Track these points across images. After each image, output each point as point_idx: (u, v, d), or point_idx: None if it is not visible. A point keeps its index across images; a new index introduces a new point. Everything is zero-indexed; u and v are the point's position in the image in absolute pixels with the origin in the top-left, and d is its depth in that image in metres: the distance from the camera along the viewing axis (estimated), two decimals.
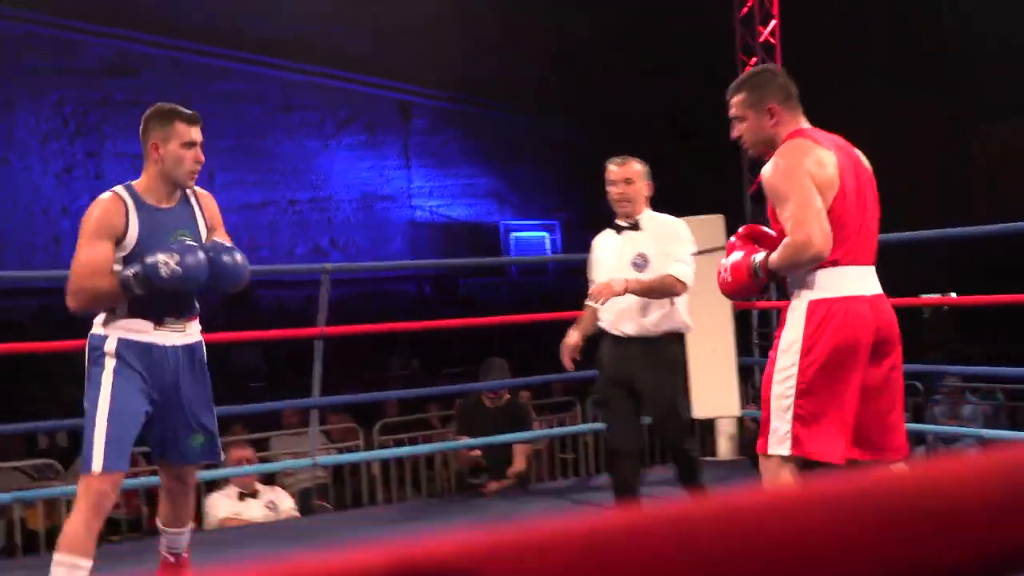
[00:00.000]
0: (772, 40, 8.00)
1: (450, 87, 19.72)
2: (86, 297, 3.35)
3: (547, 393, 8.77)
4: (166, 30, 17.54)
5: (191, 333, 3.49)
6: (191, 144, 3.44)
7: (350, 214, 19.82)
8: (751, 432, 6.43)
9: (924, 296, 14.53)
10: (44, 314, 14.73)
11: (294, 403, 6.69)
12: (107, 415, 3.30)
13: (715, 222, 6.08)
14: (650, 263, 4.38)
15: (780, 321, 3.20)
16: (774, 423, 3.10)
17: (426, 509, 5.89)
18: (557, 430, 7.53)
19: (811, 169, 3.04)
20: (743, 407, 6.33)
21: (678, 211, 6.32)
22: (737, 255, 3.21)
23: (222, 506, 5.78)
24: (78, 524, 3.27)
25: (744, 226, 3.37)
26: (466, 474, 6.18)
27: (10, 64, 17.06)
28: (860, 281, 3.13)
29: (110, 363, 3.34)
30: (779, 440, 3.09)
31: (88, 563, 3.28)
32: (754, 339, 7.43)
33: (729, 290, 3.28)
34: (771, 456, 3.11)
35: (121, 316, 3.38)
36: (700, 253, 5.99)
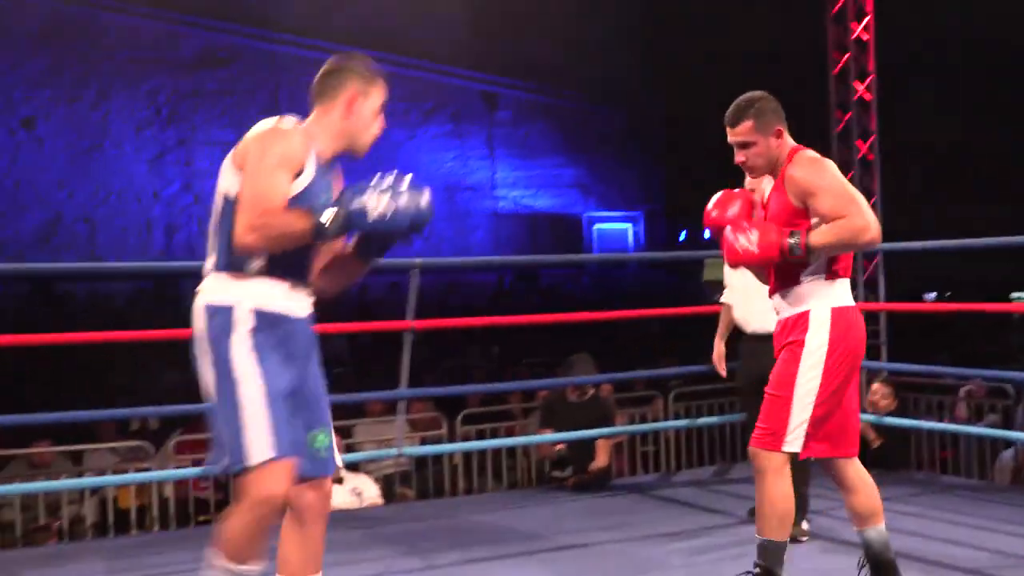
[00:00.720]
0: (865, 37, 7.89)
1: (535, 78, 19.75)
2: (274, 235, 2.68)
3: (628, 387, 8.76)
4: (258, 22, 17.80)
5: (310, 303, 2.95)
6: (380, 112, 2.97)
7: (434, 204, 19.95)
8: None
9: (1015, 299, 14.22)
10: (138, 297, 15.09)
11: (382, 395, 6.77)
12: (265, 398, 2.71)
13: None
14: None
15: (794, 326, 3.34)
16: (794, 421, 3.29)
17: (509, 499, 5.93)
18: (641, 427, 7.52)
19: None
20: None
21: None
22: (764, 230, 3.30)
23: None
24: (237, 529, 2.74)
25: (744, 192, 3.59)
26: (549, 467, 6.18)
27: (108, 54, 17.47)
28: (851, 293, 3.44)
29: (247, 339, 2.74)
30: (794, 438, 3.30)
31: (252, 569, 2.80)
32: None
33: (747, 260, 3.37)
34: (776, 453, 3.30)
35: (253, 277, 2.78)
36: None
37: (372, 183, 2.77)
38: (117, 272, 15.33)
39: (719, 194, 3.59)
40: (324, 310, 3.07)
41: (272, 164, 2.73)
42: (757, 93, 3.46)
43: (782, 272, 3.38)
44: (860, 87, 7.92)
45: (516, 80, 20.01)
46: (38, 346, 8.13)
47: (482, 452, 7.29)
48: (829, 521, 4.90)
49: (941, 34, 17.06)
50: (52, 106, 17.43)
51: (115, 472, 6.53)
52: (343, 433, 7.10)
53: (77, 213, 17.44)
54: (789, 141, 3.43)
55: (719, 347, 5.18)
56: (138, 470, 6.49)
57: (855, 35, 7.87)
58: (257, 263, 2.78)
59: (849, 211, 3.24)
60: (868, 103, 7.93)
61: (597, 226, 20.67)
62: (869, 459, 6.00)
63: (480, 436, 7.38)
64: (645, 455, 8.05)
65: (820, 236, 3.24)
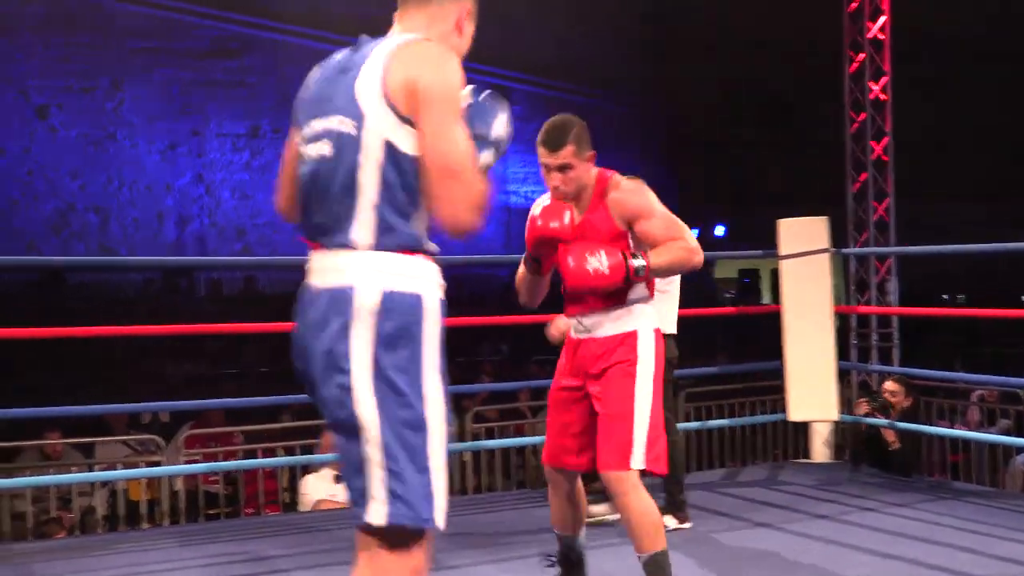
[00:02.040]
0: (881, 36, 7.86)
1: (547, 73, 19.72)
2: (485, 204, 2.13)
3: None
4: (269, 13, 17.81)
5: None
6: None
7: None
8: (850, 436, 6.36)
9: None
10: (149, 288, 15.13)
11: None
12: (446, 437, 2.17)
13: (819, 224, 5.98)
14: None
15: (620, 345, 3.39)
16: (638, 439, 3.32)
17: (517, 498, 5.93)
18: None
19: None
20: (840, 411, 6.23)
21: (779, 211, 6.26)
22: (610, 252, 3.30)
23: (317, 488, 5.89)
24: None
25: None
26: None
27: (121, 45, 17.50)
28: None
29: (433, 344, 2.16)
30: (641, 455, 3.32)
31: None
32: (852, 342, 7.32)
33: (596, 284, 3.32)
34: (630, 471, 3.31)
35: (429, 254, 2.20)
36: (804, 255, 5.95)
37: (485, 102, 2.27)
38: (128, 266, 15.32)
39: (543, 203, 3.46)
40: None
41: (456, 114, 2.11)
42: (571, 117, 3.51)
43: (606, 293, 3.40)
44: (875, 87, 7.90)
45: (529, 75, 19.99)
46: (47, 338, 8.14)
47: (491, 451, 7.29)
48: (840, 526, 4.89)
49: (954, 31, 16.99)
50: (66, 96, 17.47)
51: (126, 465, 6.55)
52: None
53: (89, 203, 17.47)
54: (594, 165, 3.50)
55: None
56: (149, 463, 6.52)
57: (871, 34, 7.85)
58: (425, 235, 2.18)
59: (683, 235, 3.41)
60: (883, 103, 7.91)
61: None
62: (888, 462, 6.02)
63: (490, 434, 7.37)
64: None
65: (659, 258, 3.34)
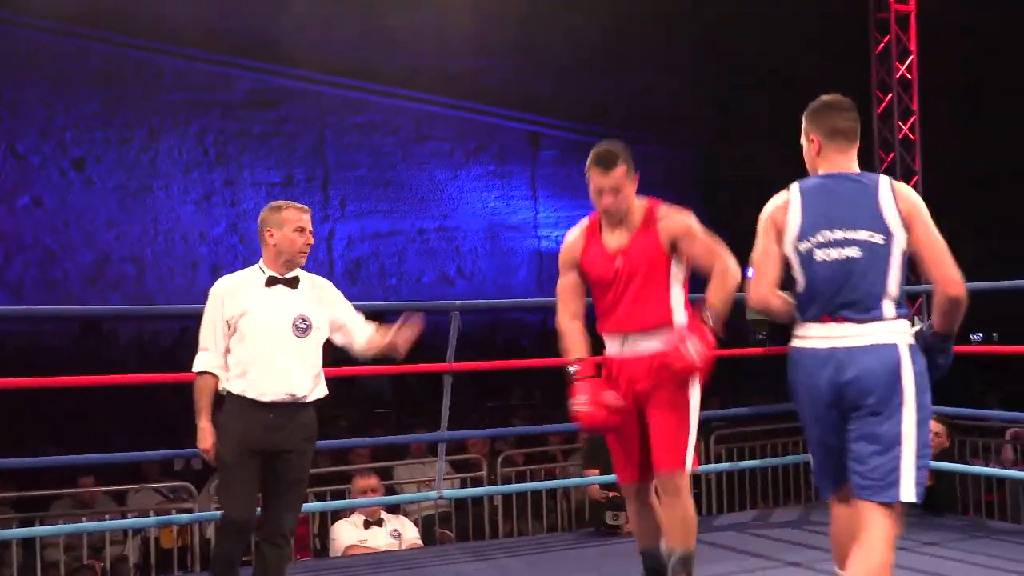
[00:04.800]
0: (909, 76, 7.87)
1: (578, 118, 19.82)
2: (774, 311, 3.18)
3: None
4: (305, 64, 18.03)
5: None
6: None
7: (477, 243, 20.02)
8: None
9: None
10: (184, 337, 15.23)
11: (422, 437, 6.85)
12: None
13: None
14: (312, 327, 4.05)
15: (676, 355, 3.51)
16: (691, 440, 3.64)
17: (548, 542, 5.90)
18: None
19: None
20: None
21: None
22: (695, 332, 3.50)
23: (348, 534, 5.88)
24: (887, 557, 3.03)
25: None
26: (604, 509, 6.05)
27: (158, 96, 17.76)
28: None
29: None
30: (691, 455, 3.64)
31: None
32: None
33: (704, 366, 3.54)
34: (685, 471, 3.60)
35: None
36: None
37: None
38: (163, 314, 15.43)
39: (585, 394, 3.65)
40: None
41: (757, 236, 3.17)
42: (618, 143, 3.67)
43: (655, 311, 3.58)
44: (904, 126, 7.90)
45: (559, 120, 20.10)
46: (85, 386, 8.23)
47: (522, 494, 7.27)
48: None
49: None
50: (103, 148, 17.71)
51: (158, 512, 6.58)
52: (383, 473, 7.12)
53: (125, 253, 17.67)
54: None
55: (209, 429, 4.00)
56: (180, 510, 6.55)
57: (899, 74, 7.86)
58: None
59: (722, 254, 3.57)
60: (912, 143, 7.90)
61: None
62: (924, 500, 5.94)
63: (520, 477, 7.36)
64: None
65: (716, 296, 3.53)
